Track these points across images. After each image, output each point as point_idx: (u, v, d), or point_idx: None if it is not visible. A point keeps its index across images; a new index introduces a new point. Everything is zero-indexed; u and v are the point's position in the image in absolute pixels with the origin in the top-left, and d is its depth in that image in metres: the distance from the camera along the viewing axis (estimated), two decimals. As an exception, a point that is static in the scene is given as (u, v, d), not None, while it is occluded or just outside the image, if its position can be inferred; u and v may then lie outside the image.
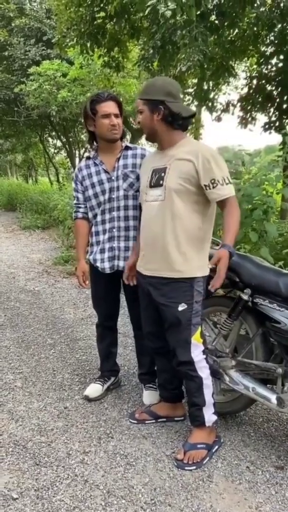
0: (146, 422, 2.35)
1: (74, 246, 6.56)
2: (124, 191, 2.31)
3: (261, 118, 7.15)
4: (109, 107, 2.22)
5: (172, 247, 2.00)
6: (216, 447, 2.14)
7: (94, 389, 2.60)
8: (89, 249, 2.53)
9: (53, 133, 15.90)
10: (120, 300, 2.61)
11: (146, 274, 2.12)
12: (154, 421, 2.36)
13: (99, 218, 2.39)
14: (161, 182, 2.02)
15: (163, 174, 2.02)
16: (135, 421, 2.36)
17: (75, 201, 2.49)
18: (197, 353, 2.06)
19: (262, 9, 5.16)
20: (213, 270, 2.03)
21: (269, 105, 6.96)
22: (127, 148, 2.37)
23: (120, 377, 2.81)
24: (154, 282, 2.08)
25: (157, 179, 2.04)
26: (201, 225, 2.03)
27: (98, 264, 2.42)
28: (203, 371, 2.08)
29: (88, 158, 2.41)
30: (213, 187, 1.93)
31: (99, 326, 2.68)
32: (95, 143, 2.39)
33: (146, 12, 3.69)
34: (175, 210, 1.98)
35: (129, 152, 2.35)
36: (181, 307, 2.01)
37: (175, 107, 2.00)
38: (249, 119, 7.23)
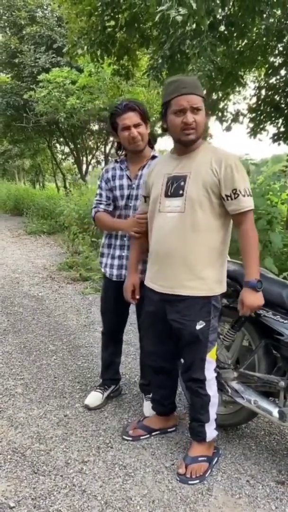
0: (141, 438, 2.28)
1: (79, 252, 6.59)
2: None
3: (271, 128, 7.18)
4: (128, 118, 2.18)
5: (191, 263, 1.88)
6: (216, 458, 2.11)
7: (95, 398, 2.57)
8: (100, 250, 2.51)
9: (61, 140, 15.99)
10: (129, 312, 2.58)
11: (162, 292, 1.98)
12: (148, 436, 2.30)
13: None
14: (180, 192, 1.88)
15: (182, 183, 1.88)
16: (129, 438, 2.27)
17: (97, 197, 2.43)
18: (210, 371, 2.01)
19: (271, 20, 5.20)
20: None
21: (278, 115, 6.98)
22: (154, 157, 2.32)
23: (121, 385, 2.78)
24: (169, 298, 1.96)
25: (176, 188, 1.90)
26: (222, 239, 1.93)
27: (107, 269, 2.42)
28: (212, 389, 2.04)
29: (116, 161, 2.41)
30: (234, 198, 1.83)
31: (103, 335, 2.66)
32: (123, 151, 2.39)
33: (157, 18, 3.69)
34: (196, 223, 1.85)
35: (154, 162, 2.26)
36: (199, 325, 1.92)
37: None
38: (258, 129, 7.24)
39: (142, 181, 2.24)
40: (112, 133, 2.35)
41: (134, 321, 2.61)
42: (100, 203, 2.41)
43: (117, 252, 2.38)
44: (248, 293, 1.86)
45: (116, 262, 2.38)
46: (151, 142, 2.35)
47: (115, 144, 2.43)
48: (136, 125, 2.19)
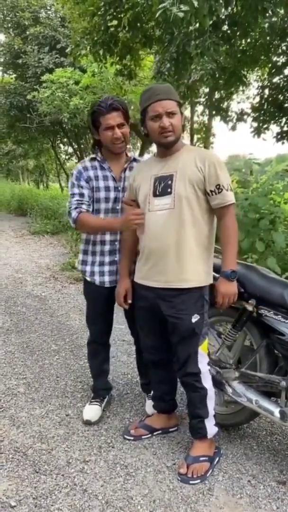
0: (143, 437, 2.28)
1: (77, 252, 6.59)
2: (124, 203, 2.20)
3: (274, 127, 7.18)
4: (112, 119, 2.12)
5: (184, 256, 1.95)
6: (217, 458, 2.11)
7: (94, 411, 2.45)
8: (80, 258, 2.39)
9: (65, 140, 16.04)
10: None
11: (154, 287, 2.03)
12: (150, 435, 2.30)
13: None
14: (169, 190, 1.96)
15: (170, 182, 1.96)
16: (131, 438, 2.27)
17: (76, 198, 2.21)
18: (203, 363, 2.04)
19: (274, 19, 5.18)
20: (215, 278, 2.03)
21: (281, 114, 6.96)
22: (135, 160, 2.31)
23: (112, 394, 2.70)
24: (164, 294, 2.00)
25: (164, 187, 1.98)
26: (208, 233, 2.01)
27: (97, 277, 2.32)
28: (208, 382, 2.06)
29: (94, 159, 2.28)
30: (218, 192, 1.92)
31: (91, 343, 2.54)
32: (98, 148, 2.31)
33: (158, 14, 3.68)
34: (185, 218, 1.94)
35: (136, 166, 2.27)
36: (194, 318, 1.98)
37: None
38: (262, 128, 7.23)
39: (127, 184, 2.22)
40: (92, 130, 2.24)
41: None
42: (82, 203, 2.21)
43: (107, 259, 2.29)
44: (222, 282, 1.95)
45: (107, 268, 2.29)
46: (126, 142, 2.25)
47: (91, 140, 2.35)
48: (120, 125, 2.15)
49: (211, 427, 2.08)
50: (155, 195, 2.01)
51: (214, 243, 2.08)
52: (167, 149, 2.02)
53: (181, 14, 3.52)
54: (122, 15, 5.17)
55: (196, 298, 1.99)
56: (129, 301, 2.24)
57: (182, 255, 1.95)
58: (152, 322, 2.15)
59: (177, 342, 2.05)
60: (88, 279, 2.35)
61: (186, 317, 1.98)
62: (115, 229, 2.22)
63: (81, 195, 2.23)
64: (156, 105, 1.93)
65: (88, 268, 2.34)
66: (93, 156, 2.30)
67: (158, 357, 2.24)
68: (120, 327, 3.52)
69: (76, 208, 2.21)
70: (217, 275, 2.03)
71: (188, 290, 1.97)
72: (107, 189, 2.25)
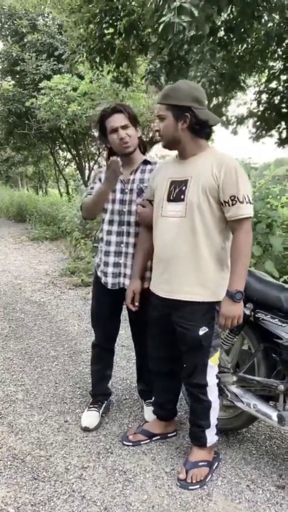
0: (142, 443, 2.27)
1: (81, 258, 6.61)
2: (138, 205, 2.20)
3: (274, 132, 7.19)
4: (114, 121, 2.15)
5: (193, 268, 1.88)
6: (216, 463, 2.10)
7: (92, 417, 2.44)
8: (97, 256, 2.39)
9: (64, 146, 16.07)
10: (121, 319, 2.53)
11: (164, 297, 1.99)
12: (148, 440, 2.29)
13: (105, 226, 2.29)
14: (182, 196, 1.88)
15: (184, 188, 1.88)
16: (129, 443, 2.26)
17: (88, 190, 2.34)
18: (212, 376, 2.01)
19: (270, 24, 5.23)
20: None
21: (279, 120, 6.98)
22: (146, 162, 2.27)
23: (111, 400, 2.69)
24: (171, 304, 1.96)
25: (178, 193, 1.90)
26: (223, 244, 1.91)
27: (102, 277, 2.32)
28: (213, 394, 2.03)
29: None
30: (232, 204, 1.80)
31: (96, 346, 2.54)
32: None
33: (161, 26, 3.71)
34: (197, 228, 1.85)
35: (148, 167, 2.26)
36: (202, 330, 1.91)
37: (203, 114, 1.87)
38: (261, 133, 7.25)
39: (136, 186, 2.23)
40: (102, 138, 2.28)
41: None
42: (91, 194, 2.30)
43: (111, 259, 2.28)
44: (226, 302, 1.84)
45: (110, 269, 2.29)
46: (141, 147, 2.29)
47: (106, 151, 2.36)
48: (124, 127, 2.15)
49: (211, 437, 2.07)
50: (169, 199, 1.94)
51: (229, 254, 1.95)
52: (184, 152, 1.95)
53: (184, 24, 3.57)
54: (118, 23, 5.21)
55: (205, 310, 1.92)
56: (137, 303, 2.20)
57: (190, 266, 1.88)
58: (162, 333, 2.10)
59: (185, 351, 2.03)
60: (98, 273, 2.36)
61: (193, 328, 1.92)
62: (105, 191, 2.20)
63: (92, 188, 2.32)
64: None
65: (99, 263, 2.36)
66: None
67: (164, 368, 2.22)
68: (119, 333, 3.51)
69: (85, 197, 2.33)
70: None
71: (194, 302, 1.91)
72: (113, 191, 2.25)
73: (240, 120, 7.35)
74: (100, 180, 2.31)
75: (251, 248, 1.88)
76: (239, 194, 1.79)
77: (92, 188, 2.33)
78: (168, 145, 1.97)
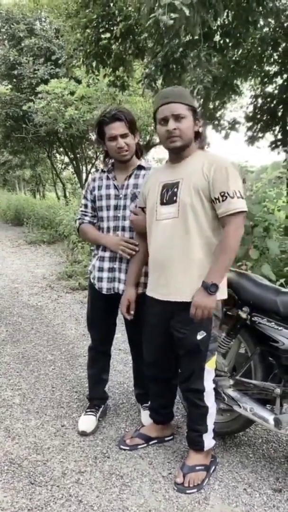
0: (139, 447, 2.27)
1: (78, 261, 6.60)
2: (131, 212, 2.21)
3: (268, 136, 7.23)
4: (115, 128, 2.13)
5: (188, 268, 1.87)
6: (213, 467, 2.10)
7: (89, 422, 2.44)
8: (92, 262, 2.41)
9: (61, 150, 16.08)
10: (117, 323, 2.54)
11: (162, 300, 1.98)
12: (145, 444, 2.29)
13: (100, 232, 2.33)
14: (174, 198, 1.89)
15: (176, 190, 1.90)
16: (126, 447, 2.26)
17: (81, 208, 2.39)
18: (209, 381, 2.01)
19: (265, 29, 5.26)
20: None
21: (274, 123, 7.02)
22: (140, 167, 2.27)
23: (108, 404, 2.68)
24: (169, 307, 1.95)
25: (171, 196, 1.91)
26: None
27: (96, 282, 2.33)
28: (210, 400, 2.03)
29: (103, 171, 2.35)
30: (223, 200, 1.80)
31: (92, 350, 2.56)
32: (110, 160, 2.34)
33: (148, 23, 3.73)
34: (190, 227, 1.85)
35: (142, 172, 2.26)
36: (200, 335, 1.91)
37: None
38: (256, 136, 7.28)
39: (130, 191, 2.23)
40: (99, 141, 2.27)
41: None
42: (86, 215, 2.37)
43: (106, 265, 2.29)
44: (200, 293, 1.82)
45: (105, 275, 2.29)
46: (138, 152, 2.30)
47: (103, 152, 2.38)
48: (123, 136, 2.15)
49: (209, 441, 2.07)
50: (162, 203, 1.95)
51: None
52: (176, 155, 1.97)
53: (171, 22, 3.57)
54: (114, 28, 5.24)
55: None
56: (132, 312, 2.20)
57: (186, 267, 1.88)
58: (159, 338, 2.09)
59: (182, 355, 2.02)
60: (91, 280, 2.38)
61: (190, 333, 1.91)
62: (105, 245, 2.29)
63: (85, 206, 2.37)
64: (163, 109, 1.88)
65: (91, 270, 2.38)
66: (103, 168, 2.36)
67: (159, 374, 2.22)
68: (116, 336, 3.51)
69: (79, 219, 2.40)
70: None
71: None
72: (107, 197, 2.27)
73: (232, 126, 7.37)
74: (91, 192, 2.33)
75: (239, 244, 1.86)
76: (229, 190, 1.80)
77: (85, 205, 2.37)
78: (184, 146, 1.93)
